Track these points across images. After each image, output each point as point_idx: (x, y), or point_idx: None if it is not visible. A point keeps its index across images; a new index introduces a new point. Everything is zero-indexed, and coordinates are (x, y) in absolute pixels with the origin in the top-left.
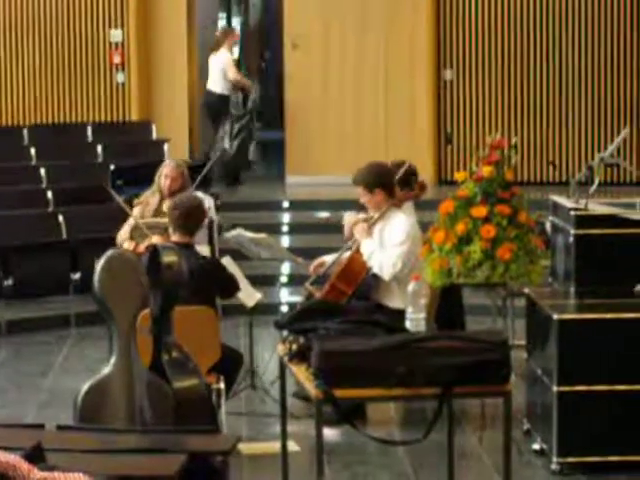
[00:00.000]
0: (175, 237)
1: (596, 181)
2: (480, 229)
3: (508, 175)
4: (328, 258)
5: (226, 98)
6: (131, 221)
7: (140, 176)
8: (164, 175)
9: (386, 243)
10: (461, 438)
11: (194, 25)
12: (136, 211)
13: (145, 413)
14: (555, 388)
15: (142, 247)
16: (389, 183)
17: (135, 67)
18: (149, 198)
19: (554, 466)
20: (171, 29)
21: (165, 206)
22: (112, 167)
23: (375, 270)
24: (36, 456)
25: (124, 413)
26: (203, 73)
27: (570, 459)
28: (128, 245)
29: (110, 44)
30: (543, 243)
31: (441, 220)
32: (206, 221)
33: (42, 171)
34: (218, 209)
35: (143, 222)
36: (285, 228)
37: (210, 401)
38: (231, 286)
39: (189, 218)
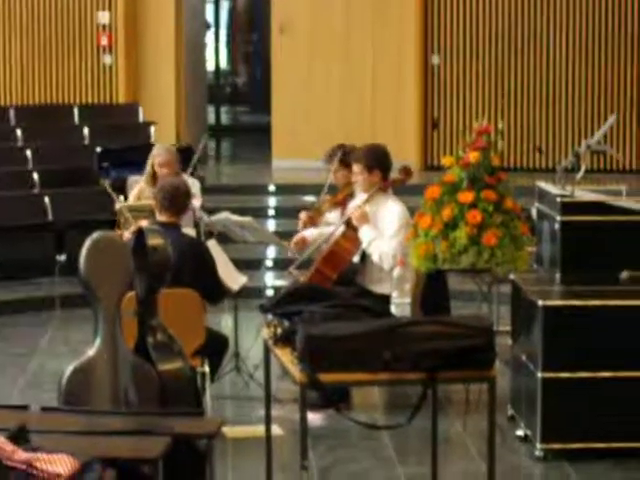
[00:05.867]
0: (162, 217)
1: (582, 168)
2: (466, 215)
3: (494, 161)
4: (308, 233)
5: None
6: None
7: (126, 158)
8: (158, 164)
9: (382, 231)
10: (445, 423)
11: (182, 8)
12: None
13: (129, 395)
14: (539, 374)
15: (127, 234)
16: (387, 167)
17: (122, 49)
18: (144, 188)
19: (538, 452)
20: (159, 12)
21: None
22: (98, 149)
23: (374, 259)
24: (20, 437)
25: (109, 395)
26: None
27: (554, 445)
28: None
29: (98, 26)
30: (529, 229)
31: (427, 205)
32: (191, 204)
33: (28, 153)
34: (203, 192)
35: (127, 206)
36: (271, 212)
37: (195, 384)
38: (207, 273)
39: (175, 199)
